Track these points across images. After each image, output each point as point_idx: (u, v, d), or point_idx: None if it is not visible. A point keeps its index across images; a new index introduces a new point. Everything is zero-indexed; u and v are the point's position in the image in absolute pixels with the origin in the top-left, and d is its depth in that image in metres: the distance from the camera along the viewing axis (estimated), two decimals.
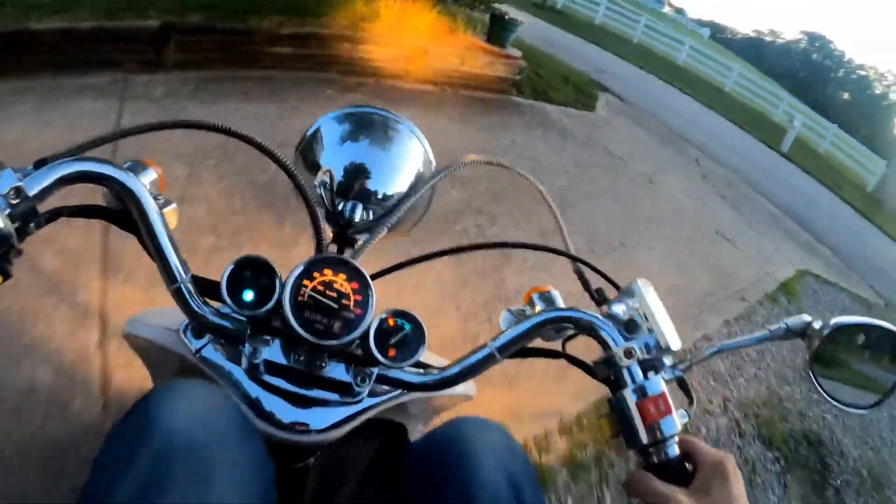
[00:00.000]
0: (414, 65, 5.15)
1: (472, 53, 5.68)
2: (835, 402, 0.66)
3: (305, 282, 0.58)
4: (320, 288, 0.58)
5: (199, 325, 0.61)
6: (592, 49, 14.86)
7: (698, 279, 4.21)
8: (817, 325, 0.61)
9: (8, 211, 0.47)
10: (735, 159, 9.76)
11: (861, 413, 0.76)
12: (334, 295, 0.58)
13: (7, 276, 0.49)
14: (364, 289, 0.59)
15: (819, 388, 0.65)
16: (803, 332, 0.62)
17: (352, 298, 0.58)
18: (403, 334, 0.60)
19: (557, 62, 9.34)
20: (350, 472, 0.73)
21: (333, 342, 0.57)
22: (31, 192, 0.49)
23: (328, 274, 0.59)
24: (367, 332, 0.59)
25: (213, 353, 0.63)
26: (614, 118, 8.14)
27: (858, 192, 15.98)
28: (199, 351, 0.63)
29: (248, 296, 0.57)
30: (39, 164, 0.51)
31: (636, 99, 10.23)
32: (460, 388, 0.72)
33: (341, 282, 0.59)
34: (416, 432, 0.83)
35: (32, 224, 0.50)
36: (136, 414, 0.49)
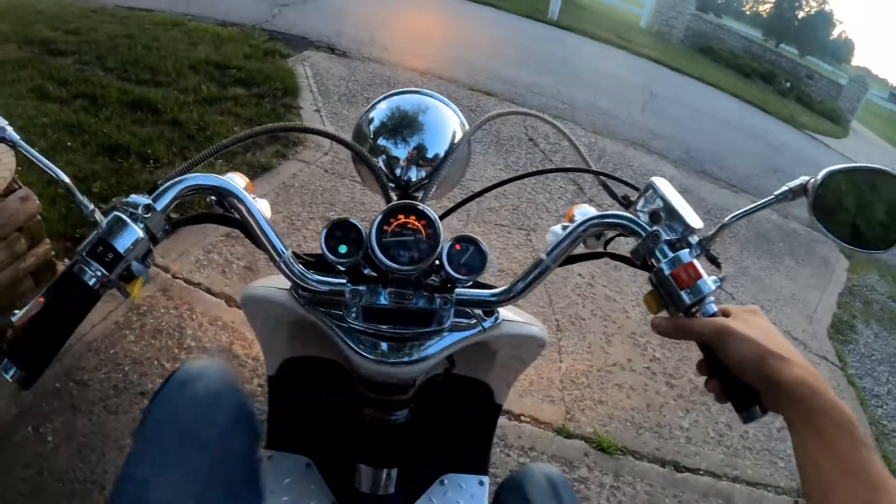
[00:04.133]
0: None
1: None
2: (841, 242, 0.70)
3: (385, 227, 0.68)
4: (397, 229, 0.68)
5: (305, 291, 0.71)
6: None
7: None
8: (813, 180, 0.66)
9: (143, 224, 0.59)
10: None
11: (876, 253, 0.73)
12: (409, 232, 0.68)
13: (146, 279, 0.61)
14: (432, 223, 0.69)
15: (823, 232, 0.68)
16: (804, 188, 0.67)
17: (423, 232, 0.68)
18: (469, 254, 0.69)
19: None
20: (441, 428, 0.94)
21: (415, 267, 0.67)
22: (160, 207, 0.61)
23: (401, 217, 0.69)
24: (440, 257, 0.68)
25: (318, 307, 0.74)
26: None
27: (643, 36, 14.17)
28: (307, 302, 0.74)
29: (343, 249, 0.68)
30: (153, 189, 0.62)
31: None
32: (533, 329, 0.85)
33: (413, 221, 0.69)
34: (501, 394, 0.97)
35: (161, 233, 0.62)
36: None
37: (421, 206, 0.70)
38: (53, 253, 1.93)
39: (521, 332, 0.84)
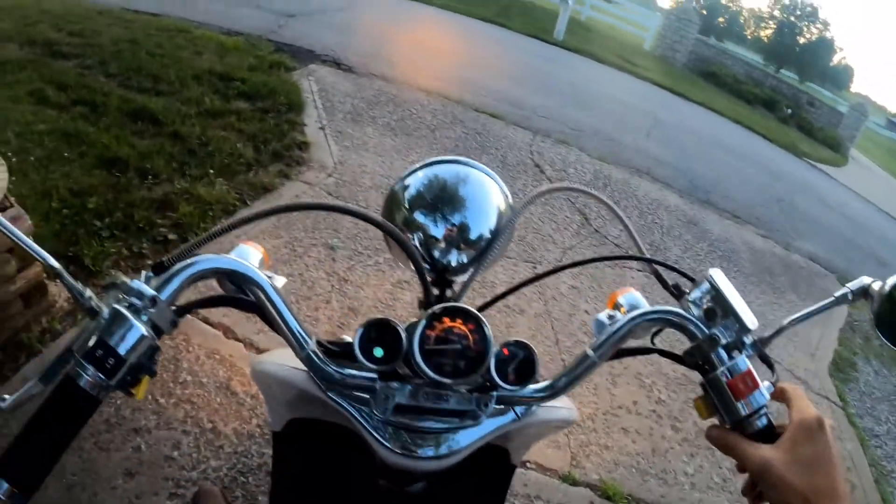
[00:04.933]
0: None
1: None
2: None
3: (428, 332, 0.63)
4: (442, 335, 0.63)
5: (330, 384, 0.67)
6: None
7: None
8: (877, 285, 0.64)
9: (146, 318, 0.53)
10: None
11: None
12: (455, 339, 0.63)
13: (153, 374, 0.55)
14: (480, 328, 0.63)
15: (886, 342, 0.66)
16: (865, 292, 0.64)
17: (471, 338, 0.63)
18: (518, 361, 0.65)
19: None
20: (459, 498, 0.86)
21: (463, 379, 0.62)
22: (164, 297, 0.54)
23: (446, 321, 0.63)
24: (488, 365, 0.63)
25: (341, 393, 0.69)
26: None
27: (647, 60, 14.22)
28: (329, 389, 0.68)
29: (378, 353, 0.62)
30: (158, 267, 0.56)
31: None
32: (564, 413, 0.81)
33: (459, 326, 0.64)
34: (518, 455, 0.90)
35: (169, 325, 0.56)
36: None
37: (471, 311, 0.65)
38: (45, 275, 1.87)
39: (554, 417, 0.80)
